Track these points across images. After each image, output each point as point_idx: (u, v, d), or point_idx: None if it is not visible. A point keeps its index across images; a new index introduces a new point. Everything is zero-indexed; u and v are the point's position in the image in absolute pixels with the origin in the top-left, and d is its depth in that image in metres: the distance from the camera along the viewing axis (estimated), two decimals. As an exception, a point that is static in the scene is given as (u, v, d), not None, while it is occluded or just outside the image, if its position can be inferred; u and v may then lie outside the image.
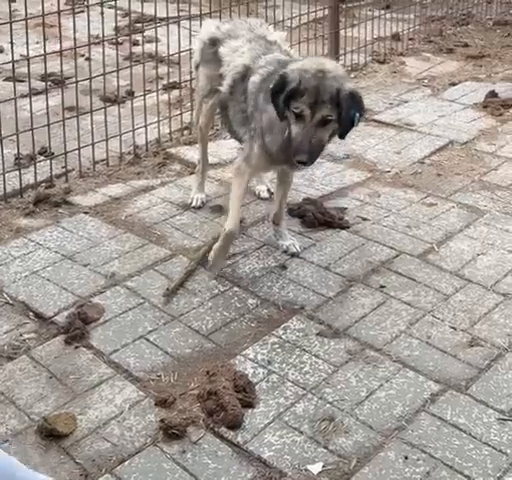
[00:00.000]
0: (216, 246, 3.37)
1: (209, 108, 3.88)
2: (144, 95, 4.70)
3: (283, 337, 3.02)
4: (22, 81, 4.85)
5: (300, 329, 3.06)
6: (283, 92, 3.04)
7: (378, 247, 3.60)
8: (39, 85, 4.99)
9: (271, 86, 3.10)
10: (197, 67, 3.87)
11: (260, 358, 2.91)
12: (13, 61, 4.14)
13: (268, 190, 4.06)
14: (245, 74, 3.43)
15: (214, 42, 3.69)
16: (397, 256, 3.53)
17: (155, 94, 4.96)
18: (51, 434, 2.56)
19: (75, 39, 4.52)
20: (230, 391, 2.67)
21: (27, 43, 4.08)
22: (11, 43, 4.18)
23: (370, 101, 5.43)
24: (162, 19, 5.22)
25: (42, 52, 4.33)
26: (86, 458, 2.49)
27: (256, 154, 3.30)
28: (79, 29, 4.50)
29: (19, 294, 3.26)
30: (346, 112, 3.01)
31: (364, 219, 3.85)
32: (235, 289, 3.31)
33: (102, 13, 4.50)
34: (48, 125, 4.24)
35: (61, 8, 4.30)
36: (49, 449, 2.53)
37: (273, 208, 3.66)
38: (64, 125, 4.27)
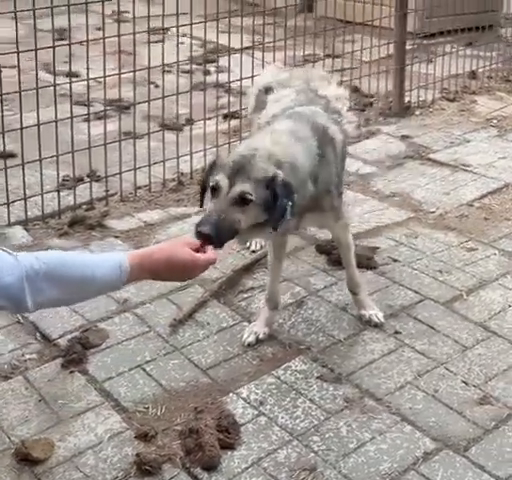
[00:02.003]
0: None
1: None
2: (190, 123, 4.73)
3: (282, 378, 2.89)
4: (86, 105, 4.98)
5: (301, 371, 2.93)
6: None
7: (402, 290, 3.43)
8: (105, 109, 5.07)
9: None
10: (251, 113, 3.74)
11: (253, 398, 2.79)
12: (87, 80, 4.30)
13: None
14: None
15: (268, 90, 3.50)
16: (420, 301, 3.35)
17: (213, 122, 4.97)
18: (26, 458, 2.52)
19: (149, 67, 4.57)
20: (212, 430, 2.57)
21: (104, 69, 4.25)
22: (87, 69, 4.31)
23: (430, 139, 5.28)
24: (236, 50, 5.24)
25: (116, 78, 4.47)
26: (54, 486, 2.45)
27: None
28: (155, 57, 4.56)
29: (31, 314, 3.28)
30: (281, 200, 2.58)
31: (395, 260, 3.69)
32: (244, 324, 3.21)
33: (178, 44, 4.64)
34: (89, 148, 4.30)
35: (141, 37, 4.46)
36: (21, 473, 2.49)
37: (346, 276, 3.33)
38: (105, 149, 4.32)
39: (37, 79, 4.07)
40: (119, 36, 4.29)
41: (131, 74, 4.62)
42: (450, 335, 3.12)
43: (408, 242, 3.88)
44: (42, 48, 4.09)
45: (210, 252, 2.32)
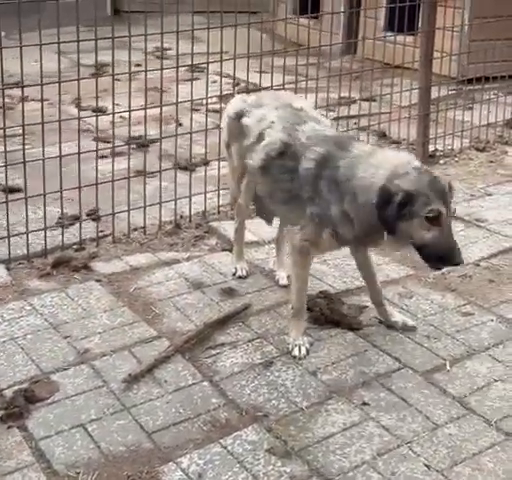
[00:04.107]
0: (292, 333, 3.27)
1: (246, 185, 3.68)
2: (204, 163, 4.62)
3: (229, 448, 2.67)
4: (107, 142, 4.92)
5: (251, 441, 2.70)
6: (390, 204, 2.89)
7: (381, 356, 3.18)
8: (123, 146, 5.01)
9: (374, 202, 2.92)
10: (227, 146, 3.69)
11: (192, 469, 2.57)
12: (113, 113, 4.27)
13: (288, 277, 3.76)
14: (284, 151, 3.24)
15: (240, 115, 3.53)
16: (398, 370, 3.09)
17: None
18: None
19: (176, 103, 4.51)
20: (137, 504, 2.38)
21: (128, 105, 4.19)
22: (113, 104, 4.30)
23: (450, 191, 5.02)
24: (265, 89, 5.13)
25: (141, 115, 4.40)
26: None
27: (325, 240, 3.14)
28: (185, 95, 4.52)
29: (-16, 359, 3.16)
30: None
31: (381, 322, 3.43)
32: (204, 384, 3.01)
33: (207, 82, 4.61)
34: (96, 184, 4.22)
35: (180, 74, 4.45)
36: None
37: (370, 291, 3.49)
38: (113, 187, 4.26)
39: (60, 113, 4.03)
40: (146, 72, 4.25)
41: (159, 112, 4.58)
42: (422, 410, 2.85)
43: (400, 302, 3.63)
44: (65, 81, 4.05)
45: None
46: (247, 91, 6.00)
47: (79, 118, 4.15)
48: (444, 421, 2.80)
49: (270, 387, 2.99)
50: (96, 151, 4.32)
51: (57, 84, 4.04)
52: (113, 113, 4.33)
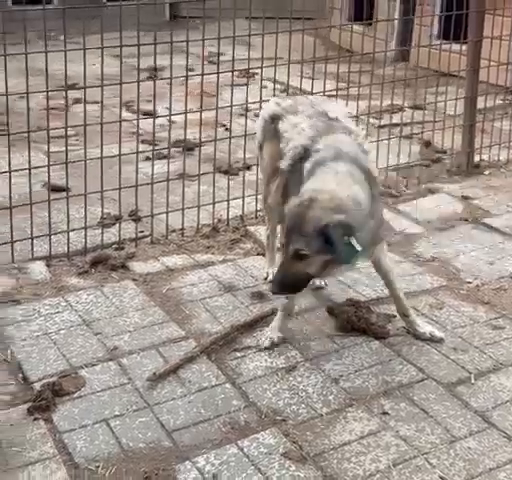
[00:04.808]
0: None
1: (277, 186, 3.73)
2: (245, 168, 4.67)
3: (245, 450, 2.71)
4: (155, 144, 5.02)
5: (268, 445, 2.73)
6: None
7: (405, 366, 3.17)
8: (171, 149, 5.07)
9: None
10: (260, 147, 3.76)
11: (207, 469, 2.62)
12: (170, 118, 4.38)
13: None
14: (303, 156, 3.28)
15: (274, 119, 3.59)
16: (422, 381, 3.08)
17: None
18: (-41, 506, 2.48)
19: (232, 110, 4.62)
20: (150, 500, 2.43)
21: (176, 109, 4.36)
22: (170, 109, 4.40)
23: (491, 202, 4.98)
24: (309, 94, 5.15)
25: (192, 118, 4.51)
26: None
27: None
28: (234, 100, 4.56)
29: (20, 353, 3.25)
30: (337, 245, 2.79)
31: (408, 332, 3.42)
32: (227, 386, 3.05)
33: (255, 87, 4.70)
34: (136, 186, 4.31)
35: (223, 79, 4.54)
36: (-49, 521, 2.45)
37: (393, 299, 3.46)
38: (152, 189, 4.33)
39: (102, 115, 4.10)
40: (187, 76, 4.33)
41: (210, 116, 4.68)
42: (442, 422, 2.84)
43: (430, 313, 3.61)
44: (111, 84, 4.16)
45: None
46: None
47: (120, 121, 4.23)
48: (463, 434, 2.79)
49: (291, 392, 3.02)
50: (137, 153, 4.41)
51: (110, 87, 4.16)
52: (154, 116, 4.43)
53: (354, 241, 2.81)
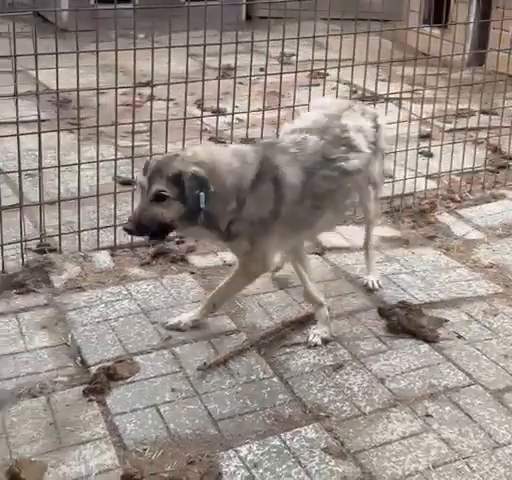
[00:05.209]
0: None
1: None
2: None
3: (287, 442, 2.78)
4: (222, 142, 5.13)
5: (309, 439, 2.80)
6: None
7: (453, 370, 3.19)
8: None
9: None
10: None
11: (249, 459, 2.71)
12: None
13: (378, 281, 3.86)
14: None
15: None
16: (468, 385, 3.09)
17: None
18: (15, 479, 2.61)
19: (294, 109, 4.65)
20: (192, 484, 2.53)
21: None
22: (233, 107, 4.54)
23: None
24: (388, 99, 5.15)
25: (258, 118, 4.58)
26: (30, 511, 2.51)
27: None
28: (303, 100, 4.58)
29: (80, 338, 3.40)
30: (190, 192, 3.00)
31: (459, 337, 3.43)
32: (274, 380, 3.13)
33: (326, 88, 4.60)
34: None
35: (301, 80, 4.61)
36: (6, 492, 2.59)
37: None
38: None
39: (167, 112, 4.19)
40: (245, 76, 4.42)
41: (275, 115, 4.75)
42: (486, 428, 2.85)
43: (483, 319, 3.60)
44: (177, 83, 4.24)
45: None
46: (362, 99, 6.13)
47: (184, 118, 4.32)
48: (507, 441, 2.79)
49: (337, 389, 3.08)
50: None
51: (183, 84, 4.26)
52: (217, 114, 4.51)
53: (202, 197, 2.99)
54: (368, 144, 3.51)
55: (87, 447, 2.77)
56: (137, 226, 3.09)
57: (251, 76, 4.37)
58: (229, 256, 4.23)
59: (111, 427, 2.87)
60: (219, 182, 3.08)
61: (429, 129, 5.57)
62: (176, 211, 3.05)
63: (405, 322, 3.44)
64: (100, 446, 2.77)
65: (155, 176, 3.04)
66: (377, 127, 3.65)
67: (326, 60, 4.50)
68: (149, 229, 3.12)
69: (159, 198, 3.03)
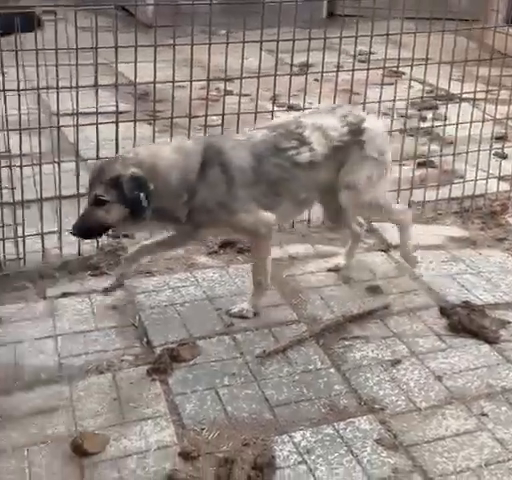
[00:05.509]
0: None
1: None
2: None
3: (341, 432, 2.84)
4: None
5: (363, 430, 2.85)
6: None
7: (512, 372, 3.19)
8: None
9: None
10: None
11: (303, 444, 2.78)
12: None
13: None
14: None
15: None
16: (527, 388, 3.09)
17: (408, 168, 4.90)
18: (78, 449, 2.75)
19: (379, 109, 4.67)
20: (246, 465, 2.61)
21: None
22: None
23: None
24: (462, 99, 5.12)
25: None
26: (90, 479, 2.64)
27: None
28: (376, 98, 4.58)
29: (147, 320, 3.53)
30: (129, 193, 3.10)
31: (521, 339, 3.43)
32: (331, 370, 3.19)
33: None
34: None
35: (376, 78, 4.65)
36: (70, 461, 2.72)
37: None
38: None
39: (239, 106, 4.23)
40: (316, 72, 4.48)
41: None
42: (542, 431, 2.85)
43: (545, 322, 3.58)
44: (249, 77, 4.30)
45: None
46: (436, 98, 6.09)
47: (256, 112, 4.37)
48: (562, 445, 2.79)
49: (393, 383, 3.12)
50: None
51: (263, 80, 4.33)
52: (288, 109, 4.57)
53: (143, 196, 3.10)
54: (329, 143, 3.52)
55: (148, 423, 2.89)
56: (81, 230, 3.29)
57: (322, 72, 4.42)
58: (293, 248, 4.32)
59: (171, 406, 2.98)
60: (161, 179, 3.20)
61: (504, 130, 5.51)
62: (118, 213, 3.20)
63: (466, 322, 3.45)
64: (160, 423, 2.89)
65: (95, 181, 3.19)
66: (359, 131, 3.60)
67: (399, 59, 4.52)
68: (94, 232, 3.33)
69: (99, 202, 3.16)
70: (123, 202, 3.14)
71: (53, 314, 3.57)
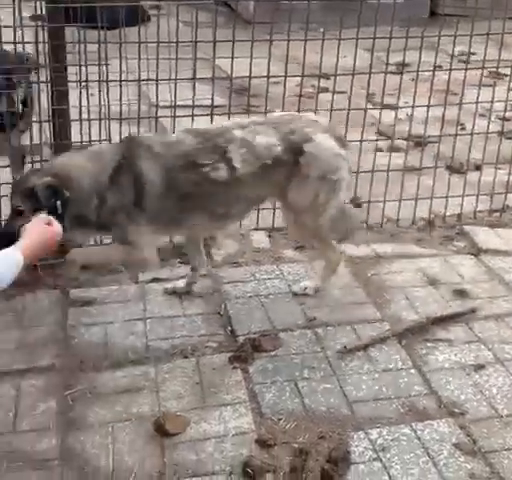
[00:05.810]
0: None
1: None
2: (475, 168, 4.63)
3: (418, 433, 2.83)
4: (388, 137, 5.18)
5: (441, 432, 2.83)
6: None
7: None
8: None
9: None
10: None
11: (379, 442, 2.78)
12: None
13: None
14: None
15: None
16: None
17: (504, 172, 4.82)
18: (159, 429, 2.84)
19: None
20: (320, 458, 2.64)
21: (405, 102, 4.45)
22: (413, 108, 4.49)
23: None
24: None
25: (430, 115, 4.53)
26: (170, 459, 2.72)
27: None
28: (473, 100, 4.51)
29: (232, 309, 3.60)
30: (45, 202, 3.13)
31: None
32: (412, 371, 3.18)
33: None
34: (357, 173, 4.50)
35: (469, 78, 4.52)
36: (151, 440, 2.81)
37: None
38: (372, 179, 4.45)
39: (332, 103, 4.22)
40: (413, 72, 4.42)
41: (448, 114, 4.66)
42: None
43: None
44: (343, 74, 4.28)
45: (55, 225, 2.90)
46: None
47: (348, 109, 4.37)
48: None
49: (475, 389, 3.08)
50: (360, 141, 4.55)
51: (358, 78, 4.34)
52: (381, 108, 4.51)
53: (59, 204, 3.13)
54: (256, 161, 3.37)
55: (227, 409, 2.96)
56: (4, 239, 3.21)
57: (418, 71, 4.37)
58: (380, 248, 4.29)
59: (251, 394, 3.04)
60: (75, 186, 3.25)
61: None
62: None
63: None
64: (239, 410, 2.96)
65: (15, 192, 3.29)
66: (299, 151, 3.41)
67: (499, 60, 4.42)
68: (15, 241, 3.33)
69: (18, 213, 3.22)
70: (38, 210, 3.14)
71: (144, 298, 3.69)
